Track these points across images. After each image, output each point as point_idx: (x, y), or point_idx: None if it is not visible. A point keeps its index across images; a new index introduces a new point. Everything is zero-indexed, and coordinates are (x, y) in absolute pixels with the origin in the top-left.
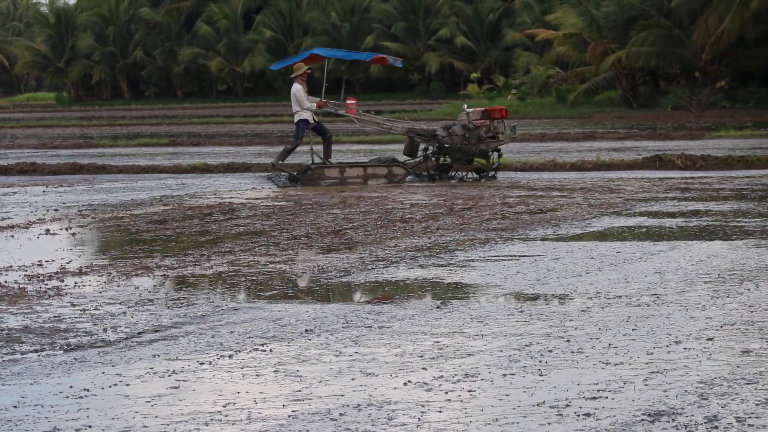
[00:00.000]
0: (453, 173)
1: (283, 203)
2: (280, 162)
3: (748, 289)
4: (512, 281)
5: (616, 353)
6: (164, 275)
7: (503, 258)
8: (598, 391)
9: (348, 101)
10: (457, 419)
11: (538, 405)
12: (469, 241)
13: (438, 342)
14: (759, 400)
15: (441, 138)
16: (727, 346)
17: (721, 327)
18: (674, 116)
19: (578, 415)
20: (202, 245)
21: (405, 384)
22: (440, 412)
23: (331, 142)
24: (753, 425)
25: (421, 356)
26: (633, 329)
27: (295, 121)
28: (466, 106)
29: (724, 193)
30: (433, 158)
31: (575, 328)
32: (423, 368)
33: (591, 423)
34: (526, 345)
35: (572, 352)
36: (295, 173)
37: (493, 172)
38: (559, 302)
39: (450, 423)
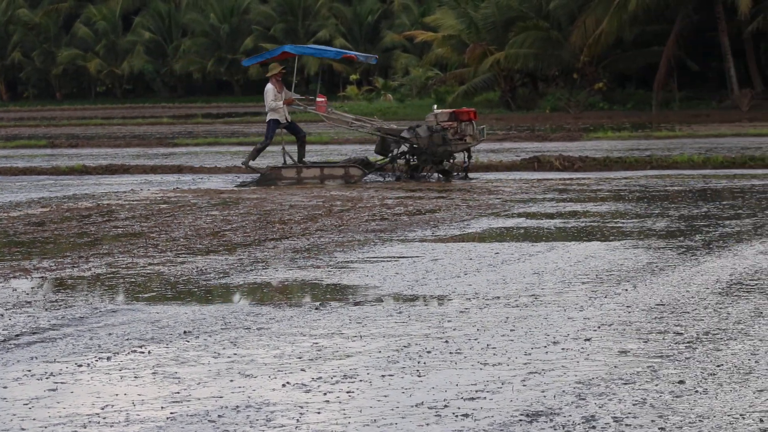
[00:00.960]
0: (422, 173)
1: (162, 205)
2: (251, 162)
3: (626, 290)
4: (391, 282)
5: (494, 354)
6: (42, 277)
7: (382, 259)
8: (477, 391)
9: (318, 99)
10: (336, 420)
11: (416, 406)
12: (347, 242)
13: (317, 343)
14: (636, 400)
15: (408, 138)
16: (604, 347)
17: (599, 327)
18: (553, 118)
19: (456, 416)
20: (81, 247)
21: (284, 385)
22: (319, 413)
23: (305, 141)
24: (630, 425)
25: (300, 357)
26: (511, 330)
27: (266, 120)
28: (435, 106)
29: (602, 194)
30: (403, 158)
31: (454, 329)
32: (302, 369)
33: (469, 423)
34: (404, 346)
35: (451, 352)
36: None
37: (463, 173)
38: (437, 303)
39: (328, 424)
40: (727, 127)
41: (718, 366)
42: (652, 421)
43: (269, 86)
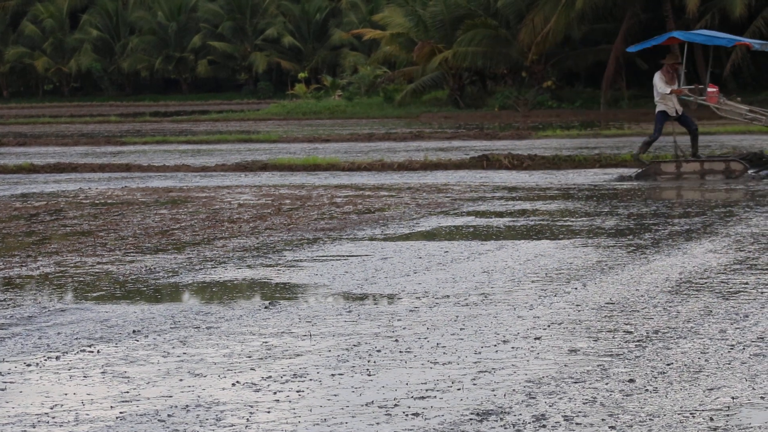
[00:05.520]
0: None
1: (111, 202)
2: (642, 155)
3: (575, 288)
4: (340, 281)
5: (444, 353)
6: None
7: (331, 258)
8: (427, 390)
9: (709, 89)
10: (286, 419)
11: (366, 405)
12: (297, 241)
13: (266, 342)
14: (586, 399)
15: None
16: (554, 345)
17: (549, 326)
18: (501, 116)
19: (407, 415)
20: (29, 246)
21: (233, 385)
22: (269, 412)
23: (698, 134)
24: (580, 424)
25: (250, 357)
26: (461, 329)
27: (656, 111)
28: None
29: (551, 192)
30: None
31: (403, 328)
32: (251, 369)
33: (419, 422)
34: (354, 345)
35: (400, 351)
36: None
37: None
38: (387, 302)
39: (278, 423)
40: (675, 124)
41: (668, 365)
42: (603, 419)
43: (658, 75)
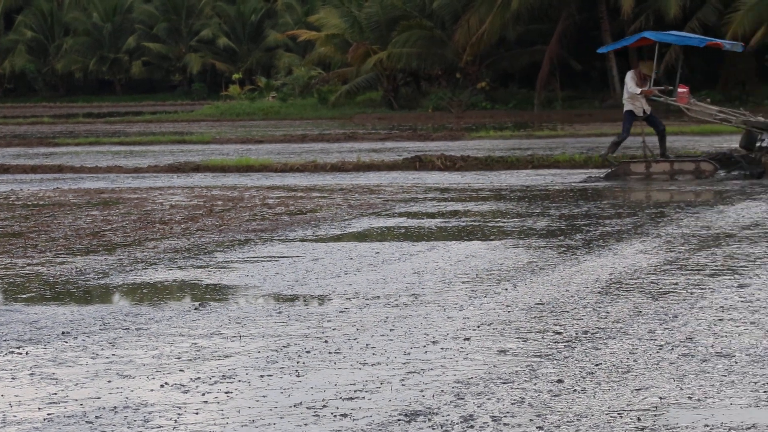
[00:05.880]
0: None
1: (42, 203)
2: (610, 155)
3: (506, 289)
4: (271, 282)
5: (373, 354)
6: None
7: (262, 259)
8: (356, 391)
9: (679, 90)
10: (214, 421)
11: (295, 406)
12: (228, 242)
13: (196, 343)
14: (514, 399)
15: None
16: (483, 346)
17: (478, 327)
18: (435, 117)
19: (335, 416)
20: None
21: (162, 386)
22: (197, 413)
23: (665, 135)
24: (508, 424)
25: (179, 358)
26: (391, 330)
27: (623, 111)
28: None
29: (483, 193)
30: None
31: (333, 329)
32: (180, 370)
33: (348, 423)
34: (283, 346)
35: (330, 352)
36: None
37: None
38: (317, 303)
39: (207, 425)
40: (609, 126)
41: (597, 365)
42: (530, 420)
43: (630, 75)
